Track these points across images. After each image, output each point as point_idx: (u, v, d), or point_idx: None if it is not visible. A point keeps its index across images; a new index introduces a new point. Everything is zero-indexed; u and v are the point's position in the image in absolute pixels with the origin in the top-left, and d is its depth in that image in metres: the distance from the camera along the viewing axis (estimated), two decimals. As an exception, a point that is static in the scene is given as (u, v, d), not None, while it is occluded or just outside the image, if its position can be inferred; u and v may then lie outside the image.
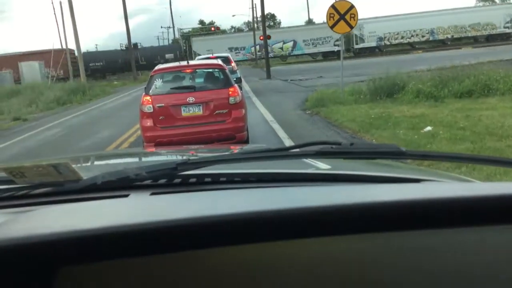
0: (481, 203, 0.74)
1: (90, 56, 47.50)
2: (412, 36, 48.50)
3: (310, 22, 63.18)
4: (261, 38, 35.72)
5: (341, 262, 0.73)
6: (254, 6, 54.57)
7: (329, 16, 13.11)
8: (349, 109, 11.36)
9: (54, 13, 62.15)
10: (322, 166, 1.48)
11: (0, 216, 1.06)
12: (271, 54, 48.55)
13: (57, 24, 64.63)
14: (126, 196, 1.15)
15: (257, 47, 47.73)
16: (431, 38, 49.14)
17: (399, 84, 12.71)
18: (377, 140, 7.79)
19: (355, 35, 46.73)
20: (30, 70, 37.42)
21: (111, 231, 0.63)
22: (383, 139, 7.67)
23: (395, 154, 1.09)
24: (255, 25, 54.73)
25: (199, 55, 45.17)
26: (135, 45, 47.32)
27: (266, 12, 32.07)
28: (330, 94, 13.83)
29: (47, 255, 0.62)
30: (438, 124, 8.42)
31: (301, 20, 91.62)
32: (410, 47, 48.39)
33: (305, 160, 1.54)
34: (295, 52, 50.70)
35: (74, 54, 44.09)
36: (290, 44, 50.12)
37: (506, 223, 0.73)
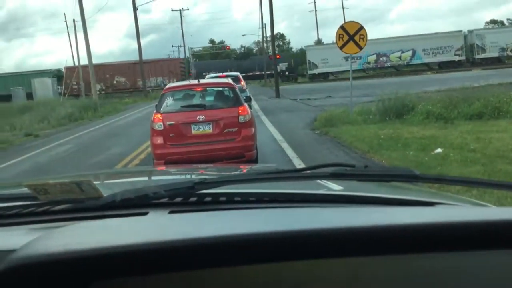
0: (495, 227, 0.75)
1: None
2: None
3: (319, 42, 63.63)
4: (270, 57, 36.07)
5: (353, 284, 0.75)
6: (263, 26, 55.23)
7: (338, 36, 13.26)
8: (358, 129, 11.37)
9: (67, 30, 63.32)
10: (335, 187, 1.50)
11: (23, 232, 1.09)
12: (388, 64, 47.23)
13: (70, 42, 65.79)
14: (145, 214, 1.18)
15: (374, 56, 46.09)
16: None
17: (409, 105, 12.73)
18: (386, 161, 7.78)
19: (477, 45, 44.96)
20: (43, 87, 38.03)
21: (144, 248, 0.66)
22: (393, 160, 7.65)
23: (409, 177, 1.11)
24: (265, 44, 55.26)
25: (315, 65, 45.72)
26: (247, 54, 47.67)
27: (275, 32, 32.45)
28: (339, 114, 13.87)
29: (82, 270, 0.65)
30: (449, 146, 8.39)
31: (310, 40, 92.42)
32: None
33: (318, 182, 1.57)
34: (414, 62, 47.59)
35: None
36: (409, 53, 46.94)
37: None
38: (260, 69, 49.78)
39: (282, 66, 44.68)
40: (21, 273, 0.65)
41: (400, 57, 47.26)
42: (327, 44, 49.14)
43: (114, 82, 45.04)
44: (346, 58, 45.72)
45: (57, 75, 46.84)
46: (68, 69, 44.56)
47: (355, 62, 46.56)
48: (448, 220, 0.76)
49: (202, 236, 0.72)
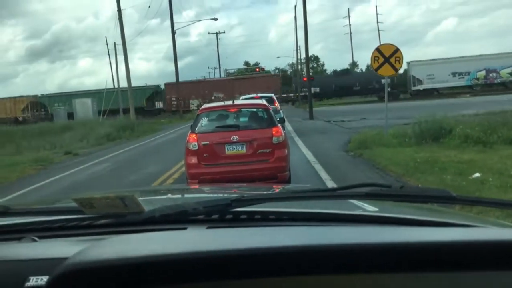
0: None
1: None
2: None
3: (354, 64, 63.46)
4: (305, 79, 36.18)
5: None
6: (298, 48, 55.63)
7: (374, 59, 13.22)
8: (393, 152, 11.20)
9: (108, 53, 65.75)
10: (369, 208, 1.51)
11: (69, 243, 1.15)
12: (498, 80, 44.57)
13: (110, 64, 68.17)
14: (184, 229, 1.22)
15: (483, 72, 43.75)
16: None
17: (446, 128, 12.45)
18: (423, 185, 7.61)
19: None
20: (83, 107, 39.44)
21: (194, 256, 0.70)
22: (429, 184, 7.48)
23: (446, 199, 1.11)
24: (299, 66, 55.50)
25: (420, 81, 44.67)
26: (346, 70, 48.83)
27: (309, 54, 32.63)
28: (374, 136, 13.70)
29: (132, 277, 0.69)
30: (487, 170, 8.14)
31: (345, 63, 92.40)
32: None
33: (352, 202, 1.57)
34: None
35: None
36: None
37: None
38: (379, 85, 48.42)
39: (315, 89, 44.72)
40: (75, 278, 0.69)
41: (511, 73, 44.02)
42: (433, 59, 46.80)
43: (213, 97, 46.47)
44: (454, 74, 44.34)
45: (157, 91, 50.41)
46: (168, 85, 47.10)
47: (463, 78, 45.09)
48: (482, 239, 0.76)
49: (251, 247, 0.75)
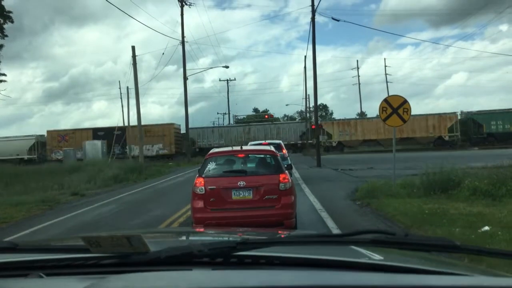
0: None
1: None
2: None
3: (362, 114, 63.99)
4: (313, 126, 36.44)
5: None
6: (307, 96, 56.43)
7: (382, 109, 13.36)
8: (401, 202, 11.08)
9: (121, 98, 67.21)
10: (375, 257, 1.50)
11: (75, 280, 1.16)
12: None
13: (122, 107, 69.41)
14: (190, 270, 1.22)
15: None
16: None
17: (454, 180, 12.36)
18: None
19: None
20: (93, 148, 39.91)
21: None
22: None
23: (450, 248, 1.11)
24: (307, 114, 56.13)
25: None
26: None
27: (319, 102, 33.05)
28: (381, 185, 13.61)
29: None
30: (496, 224, 8.02)
31: (353, 112, 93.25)
32: None
33: (358, 250, 1.57)
34: None
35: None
36: None
37: None
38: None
39: (322, 137, 45.15)
40: None
41: None
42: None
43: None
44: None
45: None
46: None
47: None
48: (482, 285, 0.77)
49: (248, 286, 0.76)
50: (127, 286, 0.75)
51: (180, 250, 1.23)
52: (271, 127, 50.68)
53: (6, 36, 30.48)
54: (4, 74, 32.58)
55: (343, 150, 46.86)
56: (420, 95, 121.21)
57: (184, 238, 2.33)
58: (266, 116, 65.71)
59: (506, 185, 11.39)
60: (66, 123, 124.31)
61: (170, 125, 49.28)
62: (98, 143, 41.38)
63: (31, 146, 47.65)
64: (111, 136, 41.85)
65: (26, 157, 46.00)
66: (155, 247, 1.32)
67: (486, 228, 7.73)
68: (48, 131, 49.31)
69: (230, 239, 2.26)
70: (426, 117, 45.52)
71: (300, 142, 49.73)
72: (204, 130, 50.38)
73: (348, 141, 47.56)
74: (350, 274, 0.99)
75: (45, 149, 48.41)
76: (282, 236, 2.27)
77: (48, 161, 42.98)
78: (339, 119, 50.60)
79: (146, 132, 44.67)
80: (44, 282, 1.14)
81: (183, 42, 39.78)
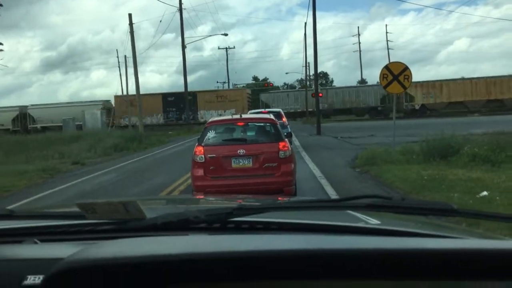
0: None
1: None
2: None
3: (362, 82, 63.57)
4: (313, 95, 36.22)
5: None
6: (307, 64, 55.86)
7: (383, 76, 13.24)
8: (400, 169, 11.13)
9: (119, 67, 66.37)
10: (372, 221, 1.50)
11: (70, 246, 1.16)
12: None
13: (120, 76, 68.80)
14: (186, 235, 1.22)
15: None
16: None
17: (454, 146, 12.37)
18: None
19: None
20: (92, 118, 39.79)
21: (193, 258, 0.71)
22: (436, 202, 7.43)
23: (447, 211, 1.11)
24: (308, 82, 55.70)
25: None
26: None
27: (319, 70, 32.76)
28: (381, 152, 13.64)
29: (131, 276, 0.70)
30: (495, 189, 8.07)
31: (354, 80, 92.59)
32: None
33: (355, 215, 1.57)
34: None
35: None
36: None
37: None
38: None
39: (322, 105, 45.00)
40: (70, 276, 0.70)
41: None
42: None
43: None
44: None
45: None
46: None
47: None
48: (473, 247, 0.77)
49: (243, 250, 0.76)
50: (119, 251, 0.74)
51: (177, 217, 1.22)
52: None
53: (1, 5, 29.88)
54: (0, 43, 32.11)
55: (425, 113, 43.28)
56: (422, 61, 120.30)
57: (182, 205, 2.33)
58: (266, 85, 65.26)
59: (506, 151, 11.42)
60: (65, 92, 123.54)
61: (243, 90, 49.09)
62: (98, 112, 41.24)
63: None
64: (181, 101, 41.15)
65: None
66: (152, 214, 1.31)
67: (485, 193, 7.78)
68: (115, 96, 47.47)
69: (229, 205, 2.26)
70: None
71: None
72: None
73: (432, 104, 44.46)
74: (347, 238, 0.98)
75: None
76: (280, 202, 2.28)
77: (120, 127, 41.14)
78: (423, 81, 45.72)
79: (218, 97, 44.42)
80: (38, 247, 1.14)
81: (180, 9, 39.06)
